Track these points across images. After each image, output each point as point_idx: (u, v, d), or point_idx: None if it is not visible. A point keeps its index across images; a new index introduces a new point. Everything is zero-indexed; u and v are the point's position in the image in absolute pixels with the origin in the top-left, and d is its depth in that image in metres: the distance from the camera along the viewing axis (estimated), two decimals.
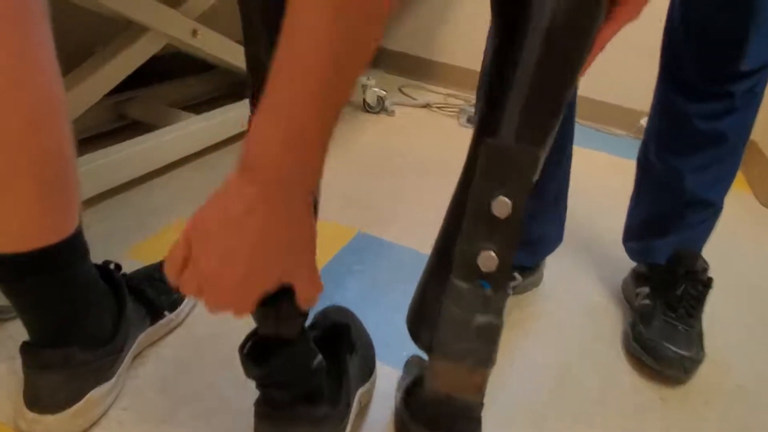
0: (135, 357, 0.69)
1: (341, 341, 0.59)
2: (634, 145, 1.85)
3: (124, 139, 1.04)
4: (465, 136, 1.68)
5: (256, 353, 0.48)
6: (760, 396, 0.81)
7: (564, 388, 0.76)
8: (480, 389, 0.48)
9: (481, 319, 0.46)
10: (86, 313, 0.57)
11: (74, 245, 0.53)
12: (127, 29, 1.10)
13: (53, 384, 0.56)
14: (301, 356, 0.48)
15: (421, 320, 0.53)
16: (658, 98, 0.88)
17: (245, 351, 0.47)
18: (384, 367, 0.73)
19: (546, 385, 0.76)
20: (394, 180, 1.29)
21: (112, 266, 0.66)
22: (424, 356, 0.60)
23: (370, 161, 1.38)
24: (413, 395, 0.49)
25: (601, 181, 1.51)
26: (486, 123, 0.49)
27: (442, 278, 0.49)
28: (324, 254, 0.97)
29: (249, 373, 0.47)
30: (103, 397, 0.60)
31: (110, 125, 1.24)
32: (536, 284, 0.97)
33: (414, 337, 0.54)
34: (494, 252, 0.45)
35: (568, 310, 0.93)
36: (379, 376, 0.71)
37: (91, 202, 0.99)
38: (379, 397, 0.69)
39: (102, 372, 0.60)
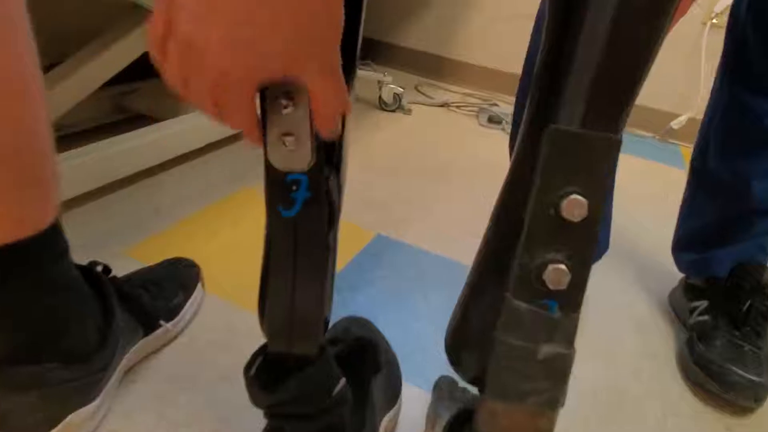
0: (126, 372, 0.60)
1: (365, 360, 0.50)
2: (662, 149, 1.78)
3: (125, 132, 0.96)
4: (485, 136, 1.61)
5: (266, 376, 0.39)
6: None
7: (617, 416, 0.66)
8: None
9: (546, 349, 0.37)
10: (65, 322, 0.49)
11: (49, 242, 0.45)
12: (132, 12, 1.02)
13: (25, 406, 0.47)
14: (320, 380, 0.39)
15: (464, 345, 0.44)
16: (721, 97, 0.79)
17: (251, 373, 0.38)
18: (407, 386, 0.63)
19: (596, 412, 0.67)
20: (413, 180, 1.20)
21: (99, 268, 0.57)
22: (455, 376, 0.51)
23: (386, 161, 1.30)
24: None
25: (634, 186, 1.41)
26: (541, 112, 0.39)
27: (490, 295, 0.40)
28: (340, 258, 0.88)
29: (256, 400, 0.38)
30: (86, 420, 0.51)
31: (109, 118, 1.16)
32: None
33: (455, 364, 0.45)
34: (566, 264, 0.35)
35: (614, 323, 0.83)
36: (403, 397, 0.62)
37: (90, 197, 0.91)
38: (402, 422, 0.60)
39: (84, 392, 0.51)
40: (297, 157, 0.36)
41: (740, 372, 0.68)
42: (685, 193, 0.87)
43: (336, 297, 0.80)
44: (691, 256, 0.85)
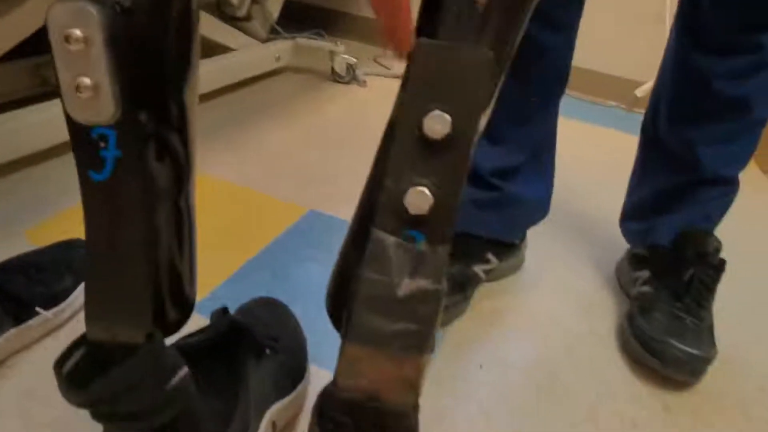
0: None
1: (239, 345, 0.44)
2: (627, 118, 1.73)
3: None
4: None
5: (88, 372, 0.33)
6: None
7: (546, 401, 0.62)
8: (413, 386, 0.34)
9: (410, 284, 0.33)
10: None
11: None
12: None
13: None
14: (146, 371, 0.33)
15: (342, 298, 0.39)
16: (672, 57, 0.73)
17: (65, 369, 0.32)
18: (326, 373, 0.58)
19: (524, 395, 0.62)
20: (359, 155, 1.13)
21: None
22: None
23: (333, 134, 1.23)
24: (327, 400, 0.35)
25: (593, 156, 1.36)
26: (422, 26, 0.35)
27: (365, 240, 0.35)
28: (264, 236, 0.82)
29: (69, 398, 0.32)
30: None
31: (30, 91, 1.08)
32: (515, 269, 0.82)
33: (335, 322, 0.40)
34: (428, 187, 0.31)
35: (555, 301, 0.78)
36: (320, 385, 0.56)
37: None
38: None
39: None
40: (97, 108, 0.30)
41: (679, 346, 0.63)
42: (635, 163, 0.82)
43: (256, 278, 0.74)
44: (636, 226, 0.80)
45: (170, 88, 0.35)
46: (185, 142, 0.37)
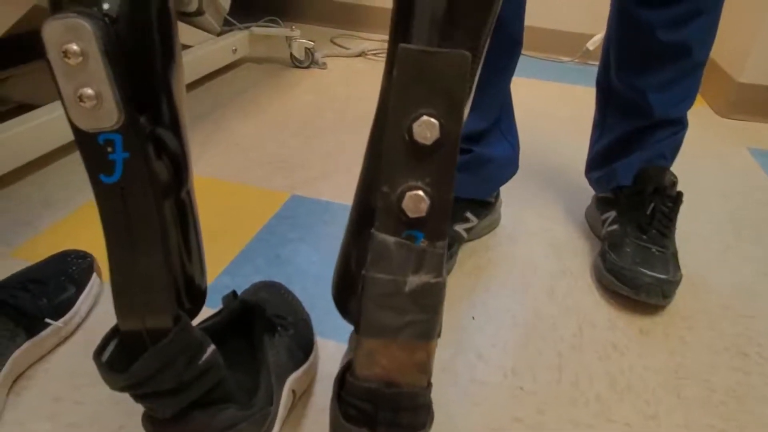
0: (16, 380, 0.56)
1: (254, 322, 0.47)
2: (581, 71, 1.79)
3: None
4: None
5: (125, 359, 0.36)
6: (751, 314, 0.74)
7: (534, 338, 0.67)
8: (425, 368, 0.37)
9: (415, 280, 0.35)
10: None
11: None
12: None
13: None
14: (178, 351, 0.36)
15: (347, 290, 0.42)
16: (617, 13, 0.78)
17: (104, 358, 0.35)
18: (329, 343, 0.62)
19: (515, 336, 0.67)
20: (330, 136, 1.16)
21: None
22: None
23: (301, 119, 1.25)
24: (347, 388, 0.38)
25: (554, 111, 1.41)
26: (398, 29, 0.37)
27: (365, 236, 0.38)
28: (252, 225, 0.85)
29: (111, 384, 0.35)
30: None
31: None
32: (494, 226, 0.87)
33: (342, 311, 0.44)
34: (423, 190, 0.34)
35: (532, 250, 0.84)
36: (326, 355, 0.61)
37: None
38: (325, 379, 0.58)
39: None
40: (101, 115, 0.32)
41: (648, 272, 0.69)
42: (595, 116, 0.87)
43: (252, 266, 0.77)
44: (599, 173, 0.86)
45: (162, 87, 0.37)
46: (179, 137, 0.40)
